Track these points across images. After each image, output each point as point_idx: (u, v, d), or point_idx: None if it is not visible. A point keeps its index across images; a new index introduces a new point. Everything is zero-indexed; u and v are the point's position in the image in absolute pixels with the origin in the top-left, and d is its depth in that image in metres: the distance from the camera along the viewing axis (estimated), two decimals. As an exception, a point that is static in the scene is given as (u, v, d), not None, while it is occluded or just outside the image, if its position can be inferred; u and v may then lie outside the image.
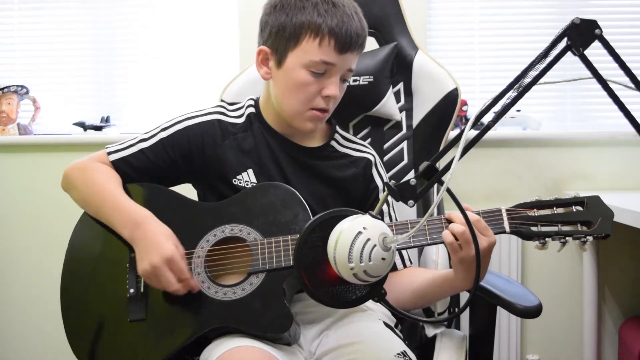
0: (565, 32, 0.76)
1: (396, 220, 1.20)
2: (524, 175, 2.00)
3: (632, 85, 0.76)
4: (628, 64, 0.76)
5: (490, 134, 1.01)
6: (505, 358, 1.97)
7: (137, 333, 1.01)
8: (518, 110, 2.00)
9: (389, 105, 1.41)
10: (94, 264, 1.08)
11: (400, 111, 1.44)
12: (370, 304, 1.07)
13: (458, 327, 1.36)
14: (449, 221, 0.96)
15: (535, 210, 0.97)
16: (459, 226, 0.92)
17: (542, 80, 0.79)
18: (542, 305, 1.03)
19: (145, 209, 1.04)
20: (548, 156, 2.00)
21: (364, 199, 1.19)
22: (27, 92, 2.12)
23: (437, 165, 0.84)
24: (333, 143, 1.21)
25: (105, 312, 1.04)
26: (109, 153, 1.13)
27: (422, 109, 1.42)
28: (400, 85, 1.44)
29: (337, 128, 1.23)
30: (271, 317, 0.98)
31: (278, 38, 1.08)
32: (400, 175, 1.41)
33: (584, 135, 2.00)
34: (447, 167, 0.77)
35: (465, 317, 1.21)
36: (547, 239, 0.95)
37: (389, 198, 1.20)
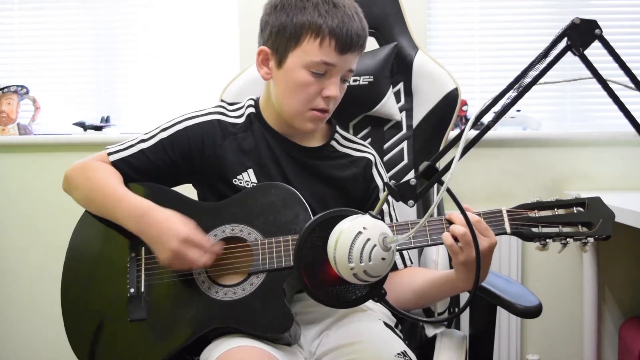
0: (565, 32, 0.76)
1: (396, 220, 1.20)
2: (524, 175, 2.00)
3: (632, 85, 0.76)
4: (628, 64, 0.76)
5: (490, 134, 1.01)
6: (505, 358, 1.97)
7: (138, 333, 1.01)
8: (518, 110, 2.00)
9: (389, 105, 1.41)
10: (94, 263, 1.08)
11: (400, 111, 1.44)
12: (370, 304, 1.07)
13: (458, 327, 1.36)
14: (450, 222, 0.96)
15: (536, 211, 0.97)
16: (460, 227, 0.92)
17: (542, 80, 0.79)
18: (542, 305, 1.03)
19: (147, 200, 1.04)
20: (548, 156, 2.00)
21: (364, 199, 1.19)
22: (27, 92, 2.12)
23: (437, 165, 0.84)
24: (333, 143, 1.21)
25: (106, 312, 1.04)
26: (109, 154, 1.13)
27: (422, 109, 1.42)
28: (400, 85, 1.44)
29: (337, 128, 1.23)
30: (271, 317, 0.98)
31: (278, 38, 1.08)
32: (400, 175, 1.41)
33: (584, 135, 2.00)
34: (447, 167, 0.77)
35: (465, 317, 1.21)
36: (547, 240, 0.95)
37: (390, 198, 1.20)
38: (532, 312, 1.02)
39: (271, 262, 1.01)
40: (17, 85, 2.10)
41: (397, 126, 1.43)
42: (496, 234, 0.95)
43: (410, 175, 1.42)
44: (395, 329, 1.11)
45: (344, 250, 0.75)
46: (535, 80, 0.78)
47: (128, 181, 1.11)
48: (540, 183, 1.99)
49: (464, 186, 1.96)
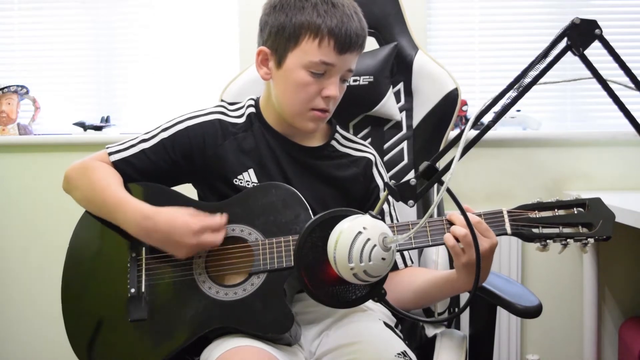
0: (565, 32, 0.76)
1: (397, 219, 1.20)
2: (524, 175, 2.00)
3: (632, 85, 0.76)
4: (628, 64, 0.76)
5: (490, 134, 1.01)
6: (505, 358, 1.97)
7: (138, 333, 1.01)
8: (518, 110, 2.00)
9: (389, 105, 1.41)
10: (95, 263, 1.08)
11: (400, 111, 1.44)
12: (370, 304, 1.07)
13: (458, 327, 1.36)
14: (451, 223, 0.96)
15: (536, 212, 0.97)
16: (461, 229, 0.92)
17: (542, 80, 0.79)
18: (542, 305, 1.03)
19: (146, 203, 1.04)
20: (548, 156, 2.00)
21: (364, 199, 1.19)
22: (27, 92, 2.12)
23: (437, 165, 0.84)
24: (333, 143, 1.21)
25: (106, 312, 1.04)
26: (110, 153, 1.13)
27: (422, 109, 1.42)
28: (400, 85, 1.44)
29: (338, 128, 1.23)
30: (272, 318, 0.98)
31: (278, 38, 1.08)
32: (400, 175, 1.41)
33: (584, 135, 2.00)
34: (447, 167, 0.77)
35: (465, 317, 1.21)
36: (548, 241, 0.95)
37: (390, 198, 1.20)
38: (532, 312, 1.02)
39: (272, 262, 1.01)
40: (17, 85, 2.10)
41: (397, 126, 1.43)
42: (497, 235, 0.95)
43: (410, 175, 1.42)
44: (395, 329, 1.11)
45: (344, 250, 0.75)
46: (535, 80, 0.79)
47: (129, 181, 1.11)
48: (540, 183, 1.99)
49: (464, 186, 1.96)
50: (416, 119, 1.43)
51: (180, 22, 2.13)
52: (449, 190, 0.78)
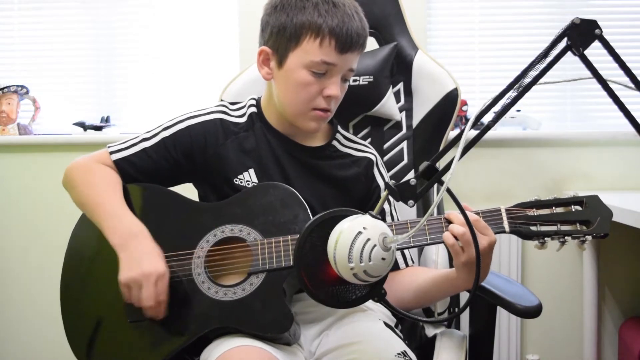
0: (565, 32, 0.76)
1: (398, 219, 1.20)
2: (524, 175, 2.00)
3: (632, 85, 0.76)
4: (628, 64, 0.76)
5: (490, 134, 1.01)
6: (505, 358, 1.97)
7: (137, 333, 1.01)
8: (518, 110, 2.00)
9: (389, 105, 1.41)
10: (94, 264, 1.08)
11: (400, 111, 1.44)
12: (370, 304, 1.07)
13: (458, 327, 1.36)
14: (449, 221, 0.96)
15: (534, 209, 0.97)
16: (459, 227, 0.92)
17: (542, 80, 0.79)
18: (542, 305, 1.03)
19: (140, 222, 1.03)
20: (548, 156, 2.00)
21: (365, 199, 1.19)
22: (27, 92, 2.12)
23: (437, 165, 0.84)
24: (334, 143, 1.21)
25: (105, 313, 1.04)
26: (111, 152, 1.13)
27: (422, 109, 1.42)
28: (400, 85, 1.44)
29: (339, 128, 1.23)
30: (271, 317, 0.98)
31: (279, 38, 1.08)
32: (400, 175, 1.41)
33: (584, 135, 2.00)
34: (447, 167, 0.77)
35: (465, 317, 1.21)
36: (546, 239, 0.95)
37: (391, 198, 1.20)
38: (532, 312, 1.02)
39: (270, 262, 1.01)
40: (17, 85, 2.10)
41: (397, 126, 1.43)
42: (495, 233, 0.95)
43: (410, 175, 1.42)
44: (395, 329, 1.11)
45: (344, 250, 0.75)
46: (535, 80, 0.78)
47: (129, 180, 1.11)
48: (540, 183, 1.99)
49: (464, 186, 1.96)
50: (416, 119, 1.43)
51: (180, 22, 2.13)
52: (449, 190, 0.78)
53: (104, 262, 1.07)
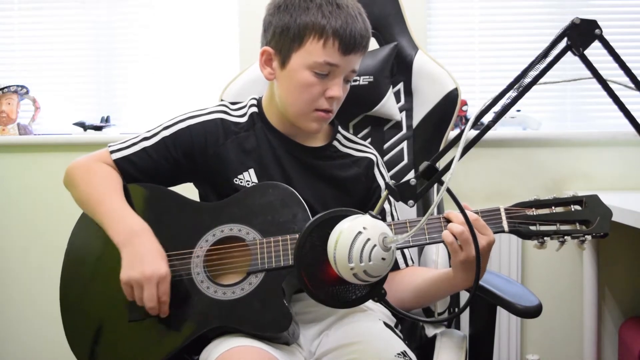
0: (565, 32, 0.76)
1: (398, 219, 1.20)
2: (524, 175, 2.00)
3: (632, 85, 0.76)
4: (628, 64, 0.76)
5: (490, 134, 1.01)
6: (505, 358, 1.97)
7: (137, 333, 1.01)
8: (518, 110, 2.00)
9: (389, 105, 1.41)
10: (94, 263, 1.08)
11: (400, 111, 1.44)
12: (370, 304, 1.07)
13: (458, 327, 1.36)
14: (448, 220, 0.96)
15: (533, 209, 0.97)
16: (458, 226, 0.92)
17: (542, 80, 0.79)
18: (542, 305, 1.03)
19: (142, 220, 1.03)
20: (548, 156, 2.00)
21: (365, 199, 1.19)
22: (27, 92, 2.12)
23: (437, 165, 0.84)
24: (335, 143, 1.21)
25: (105, 312, 1.04)
26: (112, 152, 1.13)
27: (422, 109, 1.42)
28: (400, 85, 1.44)
29: (339, 128, 1.23)
30: (270, 317, 0.98)
31: (282, 39, 1.08)
32: (400, 175, 1.41)
33: (584, 135, 2.00)
34: (447, 167, 0.77)
35: (465, 317, 1.21)
36: (545, 238, 0.95)
37: (391, 198, 1.20)
38: (532, 312, 1.02)
39: (270, 261, 1.01)
40: (17, 85, 2.10)
41: (397, 126, 1.43)
42: (494, 232, 0.95)
43: (410, 175, 1.42)
44: (395, 329, 1.11)
45: (344, 250, 0.75)
46: (535, 80, 0.78)
47: (129, 180, 1.11)
48: (540, 183, 1.99)
49: (464, 186, 1.96)
50: (416, 119, 1.43)
51: (180, 22, 2.13)
52: (449, 190, 0.78)
53: (103, 261, 1.07)
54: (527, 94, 0.79)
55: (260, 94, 1.22)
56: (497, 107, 0.80)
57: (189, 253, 1.04)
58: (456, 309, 1.30)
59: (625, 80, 0.77)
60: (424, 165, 0.81)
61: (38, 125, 2.14)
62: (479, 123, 0.87)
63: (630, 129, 0.77)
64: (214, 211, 1.07)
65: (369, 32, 1.11)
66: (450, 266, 1.00)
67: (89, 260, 1.08)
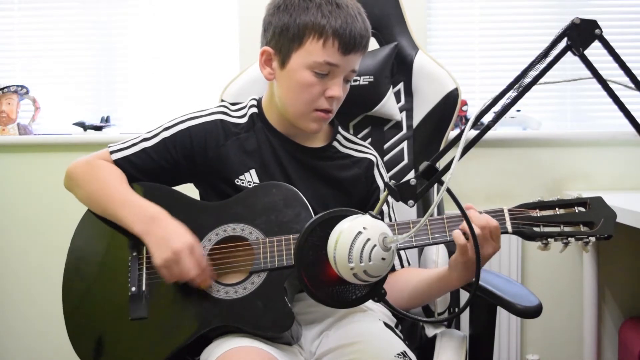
0: (565, 32, 0.76)
1: (395, 221, 1.20)
2: (524, 175, 2.00)
3: (632, 85, 0.76)
4: (628, 64, 0.76)
5: (490, 134, 1.01)
6: (505, 358, 1.97)
7: (139, 332, 1.01)
8: (518, 110, 2.00)
9: (389, 105, 1.41)
10: (96, 262, 1.08)
11: (401, 111, 1.44)
12: (370, 304, 1.07)
13: (458, 327, 1.36)
14: (454, 221, 0.96)
15: (537, 210, 0.97)
16: (476, 228, 0.93)
17: (542, 80, 0.79)
18: (542, 305, 1.03)
19: (154, 204, 1.04)
20: (548, 156, 2.00)
21: (365, 200, 1.19)
22: (27, 92, 2.12)
23: (437, 165, 0.84)
24: (335, 144, 1.21)
25: (107, 311, 1.04)
26: (112, 152, 1.13)
27: (422, 109, 1.43)
28: (401, 85, 1.45)
29: (339, 129, 1.23)
30: (272, 317, 0.98)
31: (281, 39, 1.08)
32: (400, 175, 1.41)
33: (584, 135, 2.00)
34: (447, 167, 0.77)
35: (465, 317, 1.21)
36: (549, 240, 0.95)
37: (389, 199, 1.20)
38: (532, 312, 1.02)
39: (272, 261, 1.01)
40: (17, 85, 2.10)
41: (397, 126, 1.43)
42: None
43: (410, 175, 1.42)
44: (395, 329, 1.11)
45: (344, 250, 0.75)
46: (535, 80, 0.79)
47: (130, 180, 1.11)
48: (540, 183, 1.99)
49: (464, 186, 1.96)
50: (416, 119, 1.43)
51: (180, 22, 2.13)
52: (449, 190, 0.78)
53: (106, 260, 1.07)
54: (527, 94, 0.79)
55: (260, 94, 1.22)
56: (497, 107, 0.80)
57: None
58: (456, 309, 1.30)
59: (625, 80, 0.77)
60: (424, 165, 0.81)
61: (38, 125, 2.14)
62: (479, 123, 0.87)
63: (630, 129, 0.78)
64: (217, 210, 1.07)
65: (369, 32, 1.11)
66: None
67: (92, 260, 1.08)
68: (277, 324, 0.98)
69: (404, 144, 1.42)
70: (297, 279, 0.83)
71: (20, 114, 2.11)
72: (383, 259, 0.76)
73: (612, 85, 0.77)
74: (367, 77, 1.38)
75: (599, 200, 0.97)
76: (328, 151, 1.19)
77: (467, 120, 1.99)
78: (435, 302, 1.27)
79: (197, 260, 0.98)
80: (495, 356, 1.50)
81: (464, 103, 1.98)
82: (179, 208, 1.08)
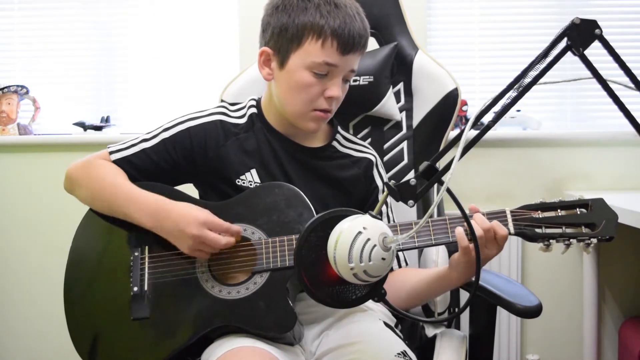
0: (565, 32, 0.77)
1: (394, 221, 1.20)
2: (524, 175, 2.00)
3: (632, 85, 0.76)
4: (628, 64, 0.77)
5: (490, 134, 1.01)
6: (505, 358, 1.97)
7: (141, 331, 1.01)
8: (518, 110, 1.99)
9: (389, 105, 1.41)
10: (98, 262, 1.08)
11: (400, 111, 1.44)
12: (370, 304, 1.07)
13: (458, 327, 1.36)
14: (454, 223, 0.96)
15: (539, 212, 0.98)
16: (478, 229, 0.93)
17: (542, 80, 0.79)
18: (542, 305, 1.03)
19: (153, 194, 1.05)
20: (548, 156, 2.00)
21: (364, 200, 1.19)
22: (27, 92, 2.12)
23: (437, 165, 0.84)
24: (335, 143, 1.21)
25: (109, 311, 1.04)
26: (111, 152, 1.13)
27: (422, 109, 1.43)
28: (401, 85, 1.45)
29: (339, 128, 1.23)
30: (274, 317, 0.98)
31: (280, 39, 1.08)
32: (400, 175, 1.41)
33: (584, 135, 2.00)
34: (447, 167, 0.77)
35: (465, 317, 1.21)
36: (551, 241, 0.96)
37: (388, 199, 1.20)
38: (532, 312, 1.02)
39: (275, 261, 1.01)
40: (17, 85, 2.10)
41: (397, 126, 1.43)
42: None
43: (410, 175, 1.42)
44: (395, 329, 1.11)
45: (344, 250, 0.75)
46: (535, 80, 0.79)
47: (130, 180, 1.11)
48: (540, 183, 1.99)
49: (464, 186, 1.96)
50: (416, 119, 1.43)
51: (180, 22, 2.13)
52: (449, 190, 0.78)
53: (108, 260, 1.08)
54: (527, 94, 0.80)
55: (260, 94, 1.22)
56: (497, 107, 0.80)
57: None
58: (456, 309, 1.30)
59: (625, 80, 0.77)
60: (424, 165, 0.81)
61: (38, 125, 2.14)
62: (479, 123, 0.87)
63: (630, 129, 0.78)
64: (219, 210, 1.07)
65: (368, 32, 1.11)
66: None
67: (94, 259, 1.08)
68: (279, 324, 0.98)
69: (404, 144, 1.42)
70: (297, 279, 0.83)
71: (20, 114, 2.11)
72: (383, 259, 0.76)
73: (612, 85, 0.77)
74: (367, 77, 1.38)
75: (600, 202, 0.97)
76: (327, 151, 1.19)
77: (467, 120, 1.99)
78: (435, 302, 1.27)
79: (217, 229, 0.99)
80: (495, 356, 1.50)
81: (464, 103, 1.98)
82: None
